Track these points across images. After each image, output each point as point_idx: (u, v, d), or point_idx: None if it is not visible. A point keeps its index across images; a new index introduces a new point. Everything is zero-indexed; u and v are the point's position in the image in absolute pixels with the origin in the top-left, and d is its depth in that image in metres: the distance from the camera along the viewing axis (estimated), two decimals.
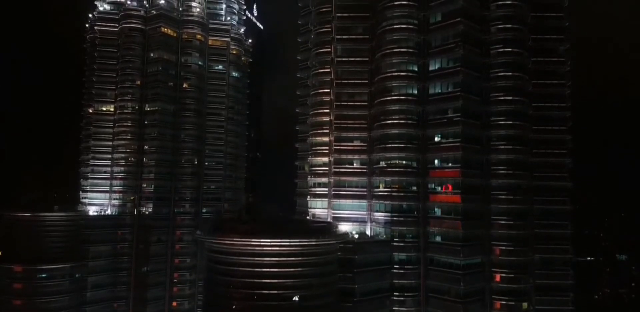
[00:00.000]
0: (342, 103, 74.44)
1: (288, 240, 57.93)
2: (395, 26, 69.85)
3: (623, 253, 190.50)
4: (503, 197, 67.00)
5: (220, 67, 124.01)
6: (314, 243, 59.02)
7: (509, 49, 68.16)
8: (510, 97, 68.19)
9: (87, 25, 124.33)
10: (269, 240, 57.63)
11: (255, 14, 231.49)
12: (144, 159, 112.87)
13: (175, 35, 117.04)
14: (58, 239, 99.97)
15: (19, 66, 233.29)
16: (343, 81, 74.75)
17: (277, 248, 57.84)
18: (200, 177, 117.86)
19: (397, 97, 68.84)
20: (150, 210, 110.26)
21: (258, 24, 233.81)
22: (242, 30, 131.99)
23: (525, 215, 67.70)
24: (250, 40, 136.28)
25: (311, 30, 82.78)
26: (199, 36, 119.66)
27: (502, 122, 68.00)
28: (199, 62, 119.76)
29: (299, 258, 58.46)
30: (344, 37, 75.26)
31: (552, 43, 72.62)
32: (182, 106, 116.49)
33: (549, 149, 71.10)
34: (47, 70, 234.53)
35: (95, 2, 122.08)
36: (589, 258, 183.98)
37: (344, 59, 75.21)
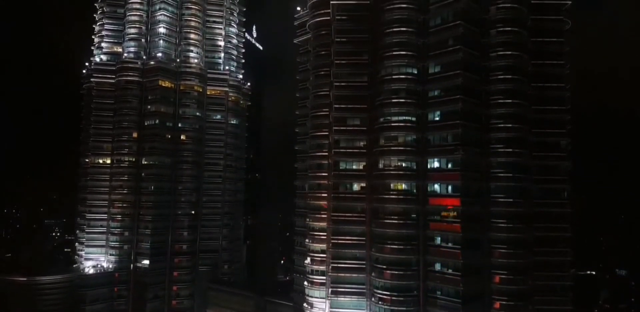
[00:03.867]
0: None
1: None
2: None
3: (623, 268, 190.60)
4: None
5: (219, 116, 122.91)
6: None
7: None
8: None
9: (84, 71, 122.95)
10: None
11: (255, 35, 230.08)
12: (140, 212, 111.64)
13: (172, 86, 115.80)
14: (54, 301, 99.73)
15: (18, 109, 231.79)
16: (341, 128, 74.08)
17: None
18: (197, 230, 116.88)
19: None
20: (146, 265, 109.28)
21: (257, 45, 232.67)
22: (241, 75, 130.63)
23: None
24: (249, 84, 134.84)
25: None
26: (197, 87, 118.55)
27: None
28: (197, 113, 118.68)
29: None
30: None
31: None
32: (180, 159, 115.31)
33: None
34: (46, 113, 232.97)
35: (93, 50, 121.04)
36: (589, 272, 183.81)
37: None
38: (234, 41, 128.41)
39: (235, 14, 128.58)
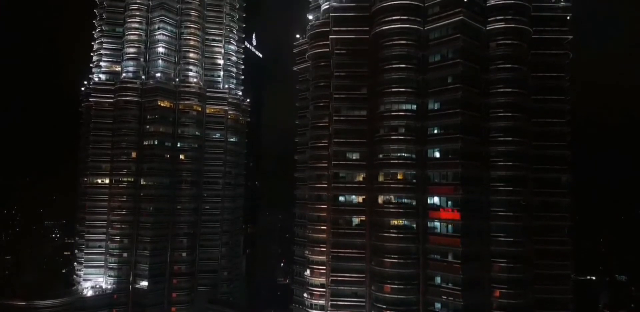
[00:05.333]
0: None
1: None
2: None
3: (623, 274, 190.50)
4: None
5: (218, 135, 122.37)
6: None
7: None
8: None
9: (82, 88, 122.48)
10: None
11: (255, 43, 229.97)
12: (139, 233, 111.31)
13: (172, 106, 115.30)
14: None
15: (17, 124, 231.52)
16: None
17: None
18: (196, 250, 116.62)
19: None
20: (145, 287, 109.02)
21: (257, 52, 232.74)
22: (240, 92, 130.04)
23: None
24: (248, 100, 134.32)
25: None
26: (196, 106, 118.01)
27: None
28: (196, 133, 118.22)
29: None
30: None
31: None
32: (179, 178, 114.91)
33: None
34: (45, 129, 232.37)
35: (91, 67, 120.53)
36: (589, 277, 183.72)
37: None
38: (233, 58, 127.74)
39: (234, 31, 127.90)
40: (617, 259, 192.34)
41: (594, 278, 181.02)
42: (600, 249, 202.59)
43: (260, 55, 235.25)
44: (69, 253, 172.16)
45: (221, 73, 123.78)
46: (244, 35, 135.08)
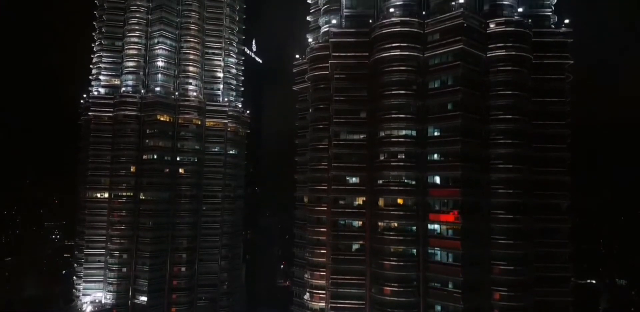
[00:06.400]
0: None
1: None
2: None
3: (623, 278, 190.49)
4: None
5: (217, 148, 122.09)
6: None
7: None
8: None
9: (82, 101, 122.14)
10: None
11: (255, 49, 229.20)
12: (138, 248, 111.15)
13: (171, 120, 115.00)
14: None
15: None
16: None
17: None
18: (195, 264, 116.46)
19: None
20: (144, 302, 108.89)
21: (257, 58, 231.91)
22: (240, 104, 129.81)
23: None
24: (248, 111, 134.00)
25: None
26: (196, 120, 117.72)
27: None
28: (196, 147, 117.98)
29: None
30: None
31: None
32: (178, 193, 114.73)
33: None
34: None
35: (91, 80, 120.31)
36: (589, 281, 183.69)
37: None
38: (233, 71, 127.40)
39: (234, 44, 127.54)
40: (617, 263, 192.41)
41: (594, 282, 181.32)
42: (601, 251, 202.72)
43: (260, 61, 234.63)
44: (69, 255, 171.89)
45: (221, 86, 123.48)
46: (244, 47, 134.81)
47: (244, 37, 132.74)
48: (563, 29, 71.36)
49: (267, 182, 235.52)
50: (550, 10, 73.58)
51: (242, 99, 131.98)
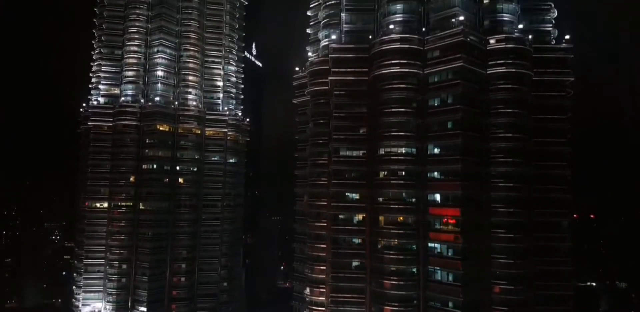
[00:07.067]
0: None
1: None
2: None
3: (623, 281, 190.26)
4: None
5: (217, 157, 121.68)
6: None
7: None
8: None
9: (81, 109, 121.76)
10: None
11: (254, 53, 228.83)
12: (138, 258, 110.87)
13: (171, 129, 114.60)
14: None
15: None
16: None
17: None
18: (195, 274, 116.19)
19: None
20: None
21: (257, 62, 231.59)
22: (240, 112, 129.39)
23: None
24: (247, 119, 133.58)
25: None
26: (195, 129, 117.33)
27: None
28: (196, 156, 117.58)
29: None
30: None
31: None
32: (178, 202, 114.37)
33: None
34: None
35: (90, 89, 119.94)
36: (588, 283, 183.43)
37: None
38: (233, 79, 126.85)
39: (234, 52, 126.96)
40: (617, 265, 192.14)
41: (594, 284, 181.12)
42: (601, 252, 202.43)
43: (260, 65, 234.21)
44: (69, 257, 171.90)
45: (221, 95, 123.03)
46: (243, 54, 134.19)
47: (243, 45, 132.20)
48: (564, 44, 70.82)
49: (266, 184, 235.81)
50: (551, 25, 73.04)
51: (242, 107, 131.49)
